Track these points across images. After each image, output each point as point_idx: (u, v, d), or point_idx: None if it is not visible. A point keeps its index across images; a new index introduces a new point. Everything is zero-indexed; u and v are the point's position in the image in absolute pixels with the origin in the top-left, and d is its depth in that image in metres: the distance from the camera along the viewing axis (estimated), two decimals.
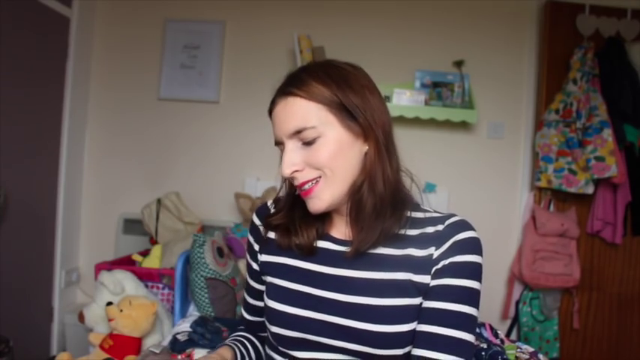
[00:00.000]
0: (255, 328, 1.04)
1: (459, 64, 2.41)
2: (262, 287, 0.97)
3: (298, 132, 0.82)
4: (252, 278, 1.01)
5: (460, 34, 2.49)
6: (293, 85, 0.83)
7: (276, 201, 0.99)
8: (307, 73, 0.84)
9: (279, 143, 0.86)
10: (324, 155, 0.82)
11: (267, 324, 0.90)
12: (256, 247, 0.98)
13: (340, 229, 0.91)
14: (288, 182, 0.93)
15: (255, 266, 0.98)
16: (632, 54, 2.35)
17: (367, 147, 0.84)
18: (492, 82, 2.48)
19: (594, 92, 2.31)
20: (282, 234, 0.92)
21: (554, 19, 2.40)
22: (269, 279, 0.93)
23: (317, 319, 0.84)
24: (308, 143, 0.82)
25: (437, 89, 2.37)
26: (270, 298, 0.90)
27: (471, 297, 0.80)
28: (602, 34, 2.39)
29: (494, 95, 2.49)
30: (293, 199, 0.92)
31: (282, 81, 0.87)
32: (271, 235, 0.95)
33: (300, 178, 0.84)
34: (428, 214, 0.87)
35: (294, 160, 0.83)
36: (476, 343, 1.12)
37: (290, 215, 0.92)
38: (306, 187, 0.84)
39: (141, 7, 2.53)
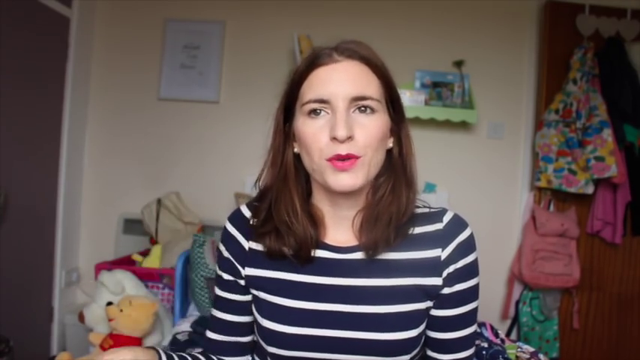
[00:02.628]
0: (219, 351, 0.90)
1: (459, 64, 2.41)
2: (241, 298, 0.87)
3: (362, 98, 0.76)
4: (225, 290, 0.88)
5: (460, 34, 2.49)
6: (361, 52, 0.79)
7: (252, 206, 0.88)
8: (369, 49, 0.81)
9: (322, 101, 0.77)
10: (374, 133, 0.77)
11: (262, 344, 0.83)
12: (235, 261, 0.87)
13: (335, 235, 0.84)
14: (269, 180, 0.84)
15: (239, 281, 0.87)
16: (632, 54, 2.35)
17: (391, 143, 0.83)
18: (492, 82, 2.48)
19: (594, 92, 2.31)
20: (273, 241, 0.82)
21: (554, 19, 2.40)
22: (261, 295, 0.84)
23: (320, 336, 0.79)
24: (364, 112, 0.77)
25: (437, 89, 2.37)
26: (265, 317, 0.82)
27: (478, 291, 0.85)
28: (602, 34, 2.39)
29: (494, 95, 2.49)
30: (275, 201, 0.83)
31: (341, 42, 0.80)
32: (254, 245, 0.85)
33: (347, 149, 0.75)
34: (419, 210, 0.86)
35: (350, 124, 0.75)
36: (477, 342, 1.13)
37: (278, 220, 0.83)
38: (347, 160, 0.75)
39: (141, 7, 2.53)
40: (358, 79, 0.78)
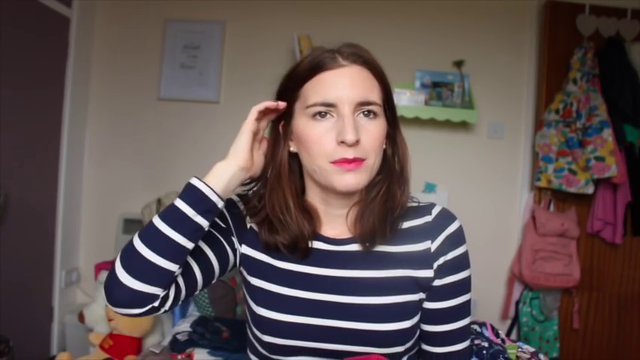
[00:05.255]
0: None
1: (459, 64, 2.41)
2: (210, 253, 0.83)
3: (367, 103, 0.79)
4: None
5: (460, 34, 2.48)
6: (365, 56, 0.82)
7: (244, 196, 0.90)
8: (369, 53, 0.83)
9: (328, 105, 0.78)
10: (377, 137, 0.79)
11: (257, 332, 0.84)
12: (234, 228, 0.87)
13: (331, 228, 0.87)
14: (275, 175, 0.85)
15: (224, 225, 0.86)
16: (632, 54, 2.34)
17: (385, 145, 0.85)
18: (492, 82, 2.48)
19: (594, 92, 2.31)
20: (268, 233, 0.84)
21: (554, 19, 2.40)
22: (254, 281, 0.85)
23: (315, 325, 0.81)
24: (368, 116, 0.79)
25: (437, 89, 2.37)
26: (260, 305, 0.83)
27: (469, 284, 0.86)
28: (602, 34, 2.39)
29: (494, 95, 2.48)
30: (268, 198, 0.84)
31: (343, 45, 0.82)
32: (255, 227, 0.87)
33: (354, 153, 0.77)
34: (409, 204, 0.88)
35: (357, 129, 0.77)
36: (477, 342, 1.13)
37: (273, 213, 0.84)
38: (354, 161, 0.77)
39: (141, 7, 2.53)
40: (363, 84, 0.79)
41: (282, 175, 0.84)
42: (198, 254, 0.82)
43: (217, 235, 0.85)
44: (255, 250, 0.86)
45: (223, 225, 0.87)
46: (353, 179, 0.78)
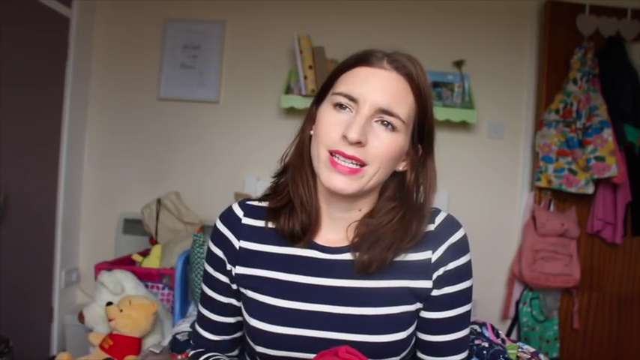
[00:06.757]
0: (224, 350, 0.91)
1: (459, 64, 2.41)
2: (232, 301, 0.87)
3: (388, 113, 0.75)
4: (217, 292, 0.88)
5: (460, 34, 2.48)
6: (410, 69, 0.79)
7: (244, 205, 0.89)
8: (420, 70, 0.80)
9: (351, 99, 0.76)
10: (387, 148, 0.76)
11: (250, 343, 0.83)
12: (224, 258, 0.86)
13: (327, 234, 0.84)
14: (291, 158, 0.85)
15: (223, 279, 0.86)
16: (632, 54, 2.34)
17: (402, 167, 0.82)
18: (492, 82, 2.48)
19: (594, 92, 2.31)
20: (288, 217, 0.82)
21: (554, 19, 2.40)
22: (250, 293, 0.83)
23: (307, 337, 0.78)
24: (385, 126, 0.76)
25: (437, 89, 2.37)
26: (253, 316, 0.82)
27: (470, 294, 0.84)
28: (602, 34, 2.39)
29: (494, 95, 2.48)
30: (292, 177, 0.84)
31: (397, 52, 0.81)
32: (245, 244, 0.85)
33: (354, 152, 0.74)
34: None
35: (365, 131, 0.74)
36: (477, 342, 1.13)
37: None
38: (348, 163, 0.75)
39: (141, 7, 2.53)
40: (393, 93, 0.76)
41: (304, 156, 0.83)
42: (227, 312, 0.88)
43: (221, 299, 0.88)
44: (248, 267, 0.84)
45: (220, 276, 0.87)
46: (341, 183, 0.75)
